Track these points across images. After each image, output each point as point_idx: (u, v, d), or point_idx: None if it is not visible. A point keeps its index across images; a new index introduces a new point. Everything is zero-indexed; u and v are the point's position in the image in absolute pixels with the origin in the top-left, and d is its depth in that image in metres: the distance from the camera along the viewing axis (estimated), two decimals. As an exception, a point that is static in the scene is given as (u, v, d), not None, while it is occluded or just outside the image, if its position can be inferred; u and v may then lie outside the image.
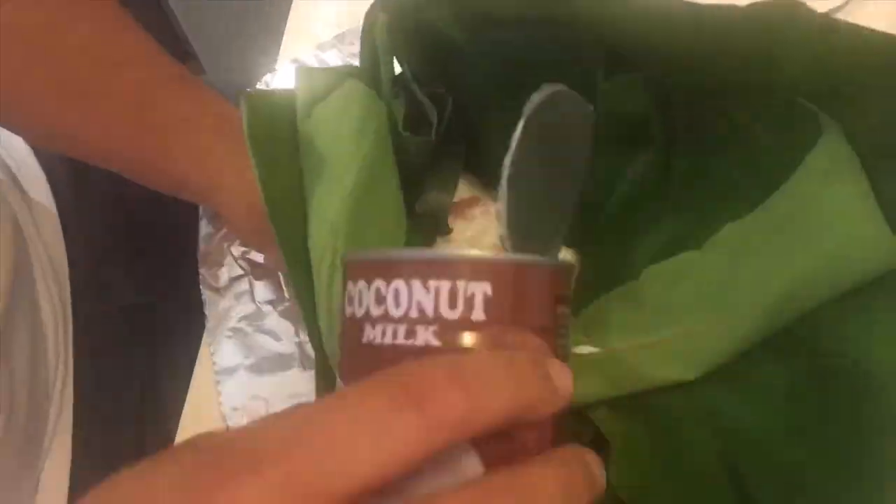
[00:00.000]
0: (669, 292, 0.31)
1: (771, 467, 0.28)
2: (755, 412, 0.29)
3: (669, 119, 0.32)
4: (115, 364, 0.54)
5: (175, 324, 0.53)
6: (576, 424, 0.32)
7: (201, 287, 0.51)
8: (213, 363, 0.49)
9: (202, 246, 0.53)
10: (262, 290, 0.50)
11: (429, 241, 0.36)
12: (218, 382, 0.48)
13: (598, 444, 0.31)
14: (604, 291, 0.33)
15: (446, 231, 0.36)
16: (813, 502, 0.27)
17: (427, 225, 0.36)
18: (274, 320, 0.49)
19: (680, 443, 0.30)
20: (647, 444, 0.30)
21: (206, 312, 0.50)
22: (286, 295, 0.50)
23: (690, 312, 0.30)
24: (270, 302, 0.50)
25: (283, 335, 0.49)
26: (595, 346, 0.31)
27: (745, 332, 0.29)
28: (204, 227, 0.53)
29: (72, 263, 0.55)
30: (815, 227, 0.28)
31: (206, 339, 0.50)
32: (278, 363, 0.48)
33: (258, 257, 0.51)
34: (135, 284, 0.57)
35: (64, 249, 0.55)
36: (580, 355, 0.31)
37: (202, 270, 0.52)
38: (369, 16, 0.33)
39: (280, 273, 0.50)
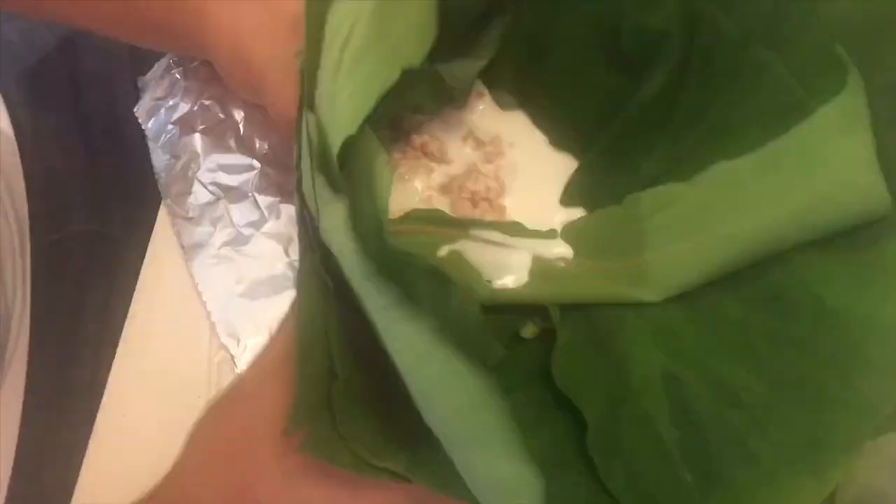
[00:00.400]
0: (651, 218, 0.31)
1: (713, 382, 0.28)
2: (705, 333, 0.29)
3: (690, 43, 0.31)
4: (71, 292, 0.53)
5: (133, 252, 0.52)
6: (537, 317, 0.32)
7: (171, 218, 0.50)
8: (201, 294, 0.48)
9: (163, 177, 0.52)
10: (240, 212, 0.49)
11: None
12: (210, 313, 0.48)
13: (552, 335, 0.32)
14: (590, 208, 0.32)
15: (461, 104, 0.35)
16: (751, 416, 0.27)
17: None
18: (260, 242, 0.48)
19: (623, 350, 0.30)
20: (592, 345, 0.30)
21: (182, 244, 0.49)
22: (266, 215, 0.48)
23: (669, 240, 0.31)
24: (252, 224, 0.49)
25: (272, 257, 0.47)
26: (573, 257, 0.32)
27: (720, 263, 0.30)
28: (160, 157, 0.52)
29: (29, 190, 0.54)
30: (807, 170, 0.28)
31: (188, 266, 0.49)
32: (271, 286, 0.47)
33: (230, 180, 0.50)
34: (93, 212, 0.56)
35: (21, 175, 0.54)
36: (553, 262, 0.31)
37: (167, 202, 0.51)
38: None
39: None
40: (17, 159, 0.54)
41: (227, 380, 0.47)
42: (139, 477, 0.47)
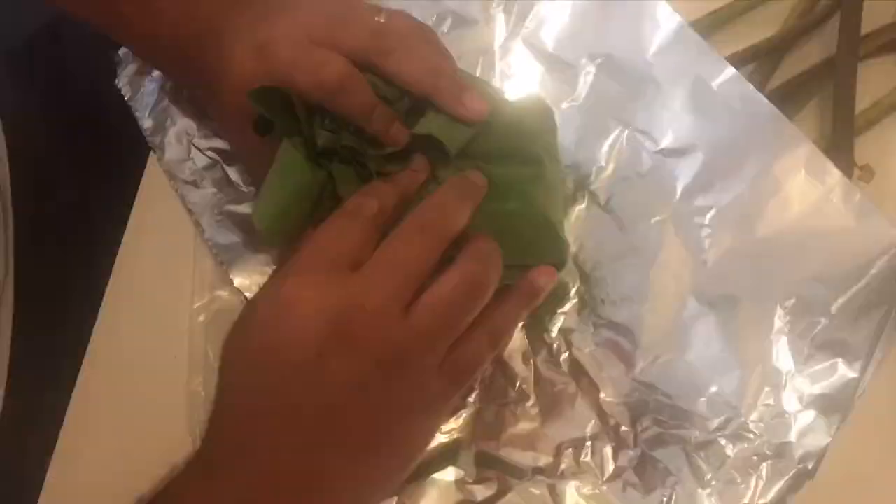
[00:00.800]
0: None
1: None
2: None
3: None
4: (55, 260, 0.54)
5: (115, 222, 0.53)
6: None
7: (172, 181, 0.52)
8: (212, 248, 0.50)
9: (157, 142, 0.53)
10: (238, 173, 0.51)
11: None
12: (223, 263, 0.50)
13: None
14: None
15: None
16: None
17: None
18: None
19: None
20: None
21: (189, 207, 0.51)
22: None
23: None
24: (252, 182, 0.51)
25: None
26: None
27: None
28: (150, 124, 0.53)
29: (12, 164, 0.55)
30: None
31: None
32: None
33: (226, 144, 0.52)
34: (75, 185, 0.57)
35: (5, 149, 0.55)
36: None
37: (165, 170, 0.52)
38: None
39: None
40: (0, 134, 0.56)
41: (211, 339, 0.48)
42: (121, 437, 0.48)
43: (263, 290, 0.41)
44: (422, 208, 0.39)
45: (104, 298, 0.51)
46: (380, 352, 0.36)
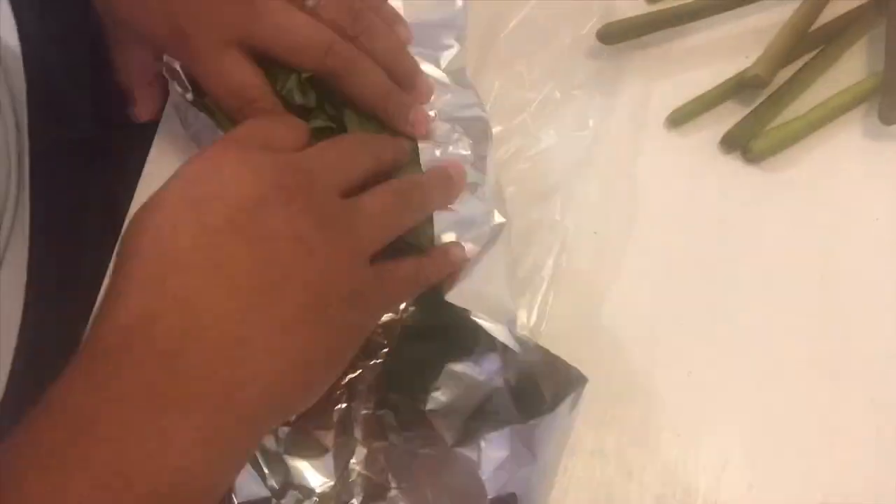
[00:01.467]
0: None
1: None
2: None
3: None
4: (72, 192, 0.53)
5: (134, 156, 0.52)
6: None
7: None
8: None
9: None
10: None
11: None
12: None
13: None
14: None
15: None
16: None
17: None
18: None
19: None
20: None
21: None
22: None
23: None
24: None
25: None
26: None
27: None
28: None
29: (30, 95, 0.53)
30: None
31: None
32: None
33: None
34: (94, 118, 0.55)
35: (24, 80, 0.54)
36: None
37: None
38: None
39: None
40: (20, 64, 0.54)
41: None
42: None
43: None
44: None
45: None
46: (321, 216, 0.33)
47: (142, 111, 0.48)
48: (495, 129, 0.47)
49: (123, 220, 0.49)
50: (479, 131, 0.44)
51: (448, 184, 0.42)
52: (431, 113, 0.44)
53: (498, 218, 0.42)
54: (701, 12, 0.51)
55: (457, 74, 0.46)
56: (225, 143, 0.35)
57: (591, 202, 0.47)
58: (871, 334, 0.44)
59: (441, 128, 0.44)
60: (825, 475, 0.41)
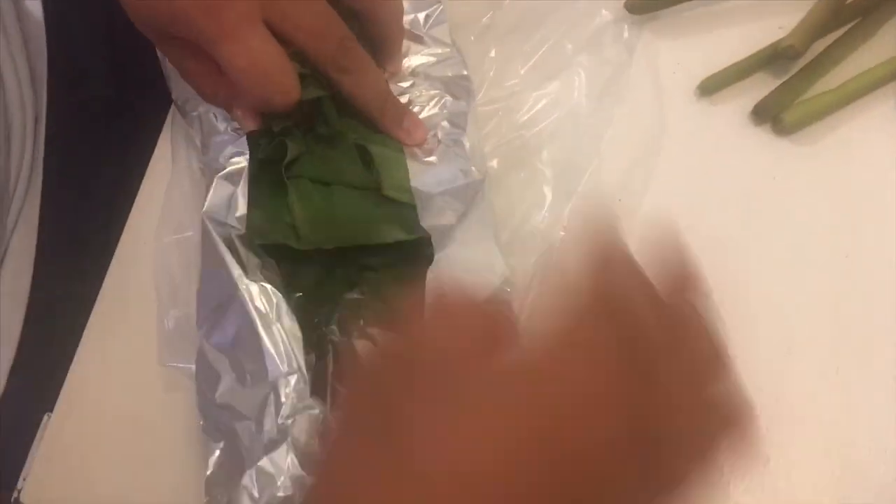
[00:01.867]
0: None
1: None
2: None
3: None
4: (87, 153, 0.52)
5: (150, 121, 0.51)
6: None
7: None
8: None
9: None
10: None
11: None
12: None
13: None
14: None
15: None
16: None
17: None
18: None
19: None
20: None
21: None
22: None
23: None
24: None
25: None
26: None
27: None
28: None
29: (50, 53, 0.53)
30: None
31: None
32: None
33: None
34: (113, 79, 0.55)
35: (44, 39, 0.53)
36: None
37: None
38: None
39: None
40: (42, 31, 0.54)
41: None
42: (147, 328, 0.45)
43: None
44: None
45: (136, 199, 0.48)
46: None
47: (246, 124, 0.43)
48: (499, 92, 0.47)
49: (138, 183, 0.48)
50: (460, 89, 0.44)
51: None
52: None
53: (476, 175, 0.41)
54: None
55: (438, 31, 0.46)
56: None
57: (617, 169, 0.46)
58: (899, 310, 0.42)
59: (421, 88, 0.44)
60: (846, 450, 0.40)
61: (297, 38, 0.39)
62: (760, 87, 0.47)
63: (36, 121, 0.52)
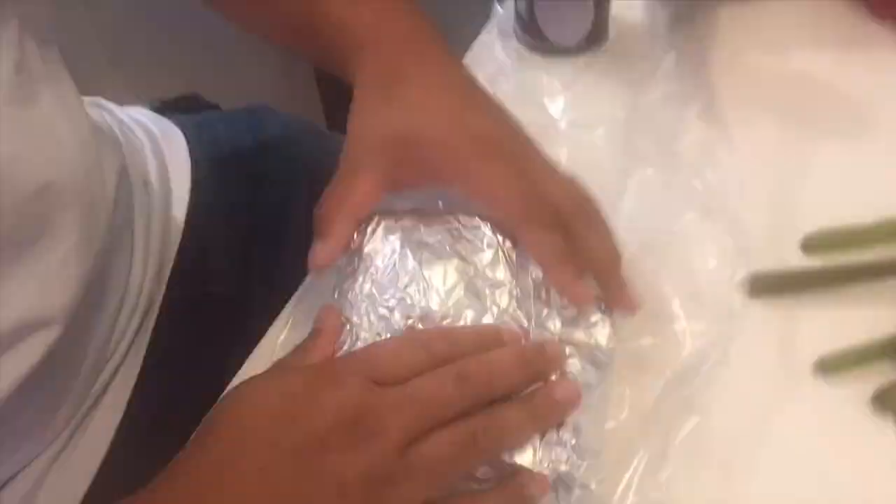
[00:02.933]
0: None
1: None
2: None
3: None
4: (191, 350, 0.54)
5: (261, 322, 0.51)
6: None
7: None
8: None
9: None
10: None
11: None
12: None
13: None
14: None
15: None
16: None
17: None
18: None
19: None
20: None
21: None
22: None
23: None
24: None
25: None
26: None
27: None
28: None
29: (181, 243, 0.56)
30: None
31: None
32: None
33: None
34: (234, 276, 0.57)
35: (180, 232, 0.57)
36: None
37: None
38: None
39: None
40: (184, 216, 0.57)
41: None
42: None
43: (294, 361, 0.41)
44: (473, 359, 0.39)
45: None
46: (370, 474, 0.35)
47: (324, 251, 0.43)
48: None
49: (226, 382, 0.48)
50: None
51: (546, 413, 0.40)
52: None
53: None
54: (860, 275, 0.48)
55: None
56: (331, 364, 0.40)
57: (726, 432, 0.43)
58: None
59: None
60: None
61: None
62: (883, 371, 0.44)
63: (147, 309, 0.53)
